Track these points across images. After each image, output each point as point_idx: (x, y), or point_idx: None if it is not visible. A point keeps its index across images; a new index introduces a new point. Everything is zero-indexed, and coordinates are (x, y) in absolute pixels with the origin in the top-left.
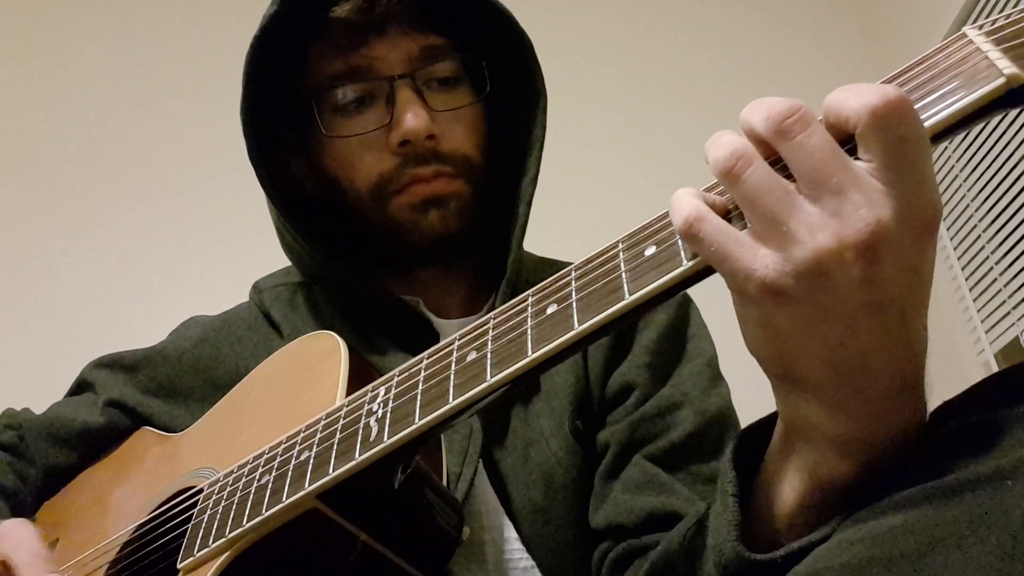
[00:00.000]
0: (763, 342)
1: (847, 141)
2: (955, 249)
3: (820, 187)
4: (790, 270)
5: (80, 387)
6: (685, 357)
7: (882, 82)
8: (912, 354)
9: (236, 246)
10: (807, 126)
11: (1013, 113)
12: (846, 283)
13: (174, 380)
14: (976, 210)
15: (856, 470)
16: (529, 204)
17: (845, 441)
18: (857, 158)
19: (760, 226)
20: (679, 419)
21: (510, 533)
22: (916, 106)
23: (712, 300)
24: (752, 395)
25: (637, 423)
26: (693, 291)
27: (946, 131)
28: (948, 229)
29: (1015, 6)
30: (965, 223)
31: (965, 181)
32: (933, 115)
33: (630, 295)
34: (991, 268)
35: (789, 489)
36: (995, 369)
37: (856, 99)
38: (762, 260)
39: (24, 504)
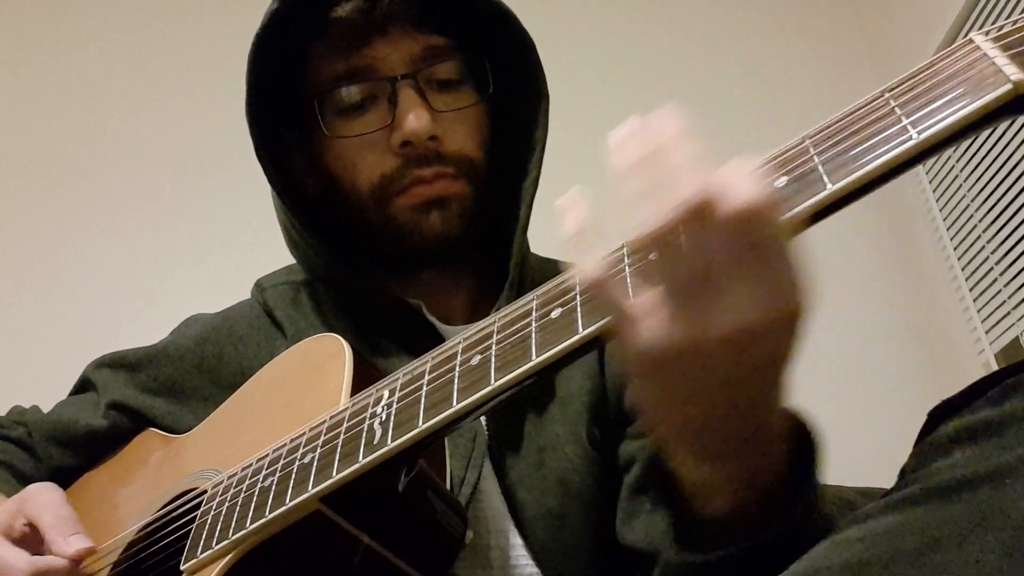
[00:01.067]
0: (645, 404)
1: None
2: (955, 249)
3: (717, 278)
4: (676, 345)
5: (83, 387)
6: None
7: (886, 88)
8: (764, 411)
9: (237, 245)
10: (722, 220)
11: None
12: (717, 363)
13: (177, 379)
14: (976, 210)
15: (727, 507)
16: (530, 206)
17: (707, 485)
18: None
19: (658, 297)
20: None
21: (516, 539)
22: (924, 111)
23: None
24: None
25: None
26: None
27: (951, 138)
28: (948, 229)
29: (1016, 6)
30: (965, 223)
31: (965, 181)
32: (939, 121)
33: (635, 298)
34: (991, 268)
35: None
36: (995, 369)
37: (740, 190)
38: (654, 331)
39: None
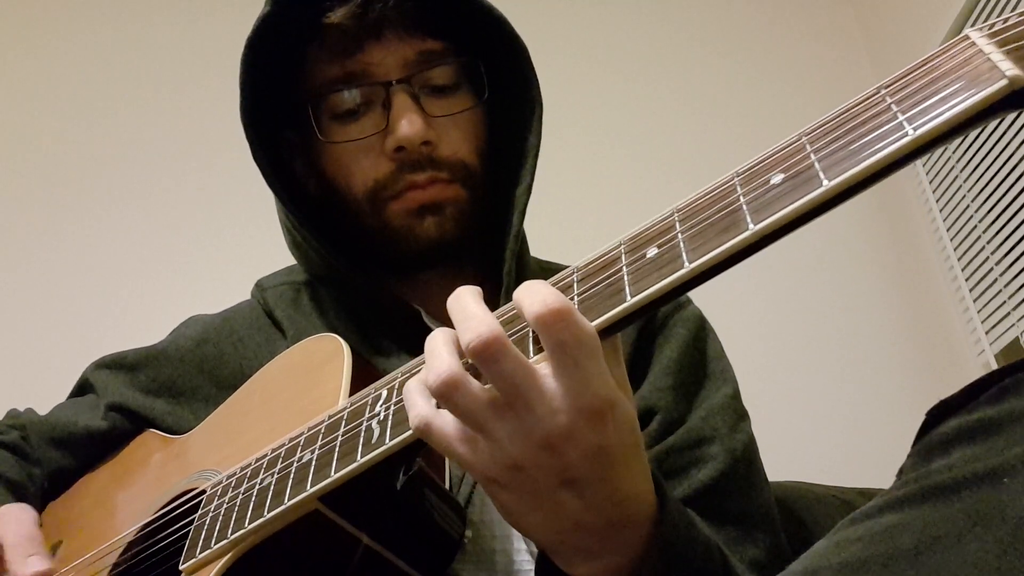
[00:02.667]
0: (502, 514)
1: None
2: (955, 249)
3: (513, 402)
4: (497, 466)
5: (82, 388)
6: (708, 380)
7: (882, 85)
8: (618, 502)
9: (237, 245)
10: (503, 355)
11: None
12: (539, 474)
13: (176, 380)
14: (976, 210)
15: None
16: (523, 213)
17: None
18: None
19: (473, 431)
20: (708, 455)
21: (520, 543)
22: (920, 107)
23: (711, 301)
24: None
25: (665, 455)
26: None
27: (947, 134)
28: (948, 230)
29: (1016, 5)
30: (965, 223)
31: (965, 181)
32: (935, 117)
33: (632, 297)
34: (991, 268)
35: None
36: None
37: (526, 303)
38: (478, 456)
39: (28, 498)
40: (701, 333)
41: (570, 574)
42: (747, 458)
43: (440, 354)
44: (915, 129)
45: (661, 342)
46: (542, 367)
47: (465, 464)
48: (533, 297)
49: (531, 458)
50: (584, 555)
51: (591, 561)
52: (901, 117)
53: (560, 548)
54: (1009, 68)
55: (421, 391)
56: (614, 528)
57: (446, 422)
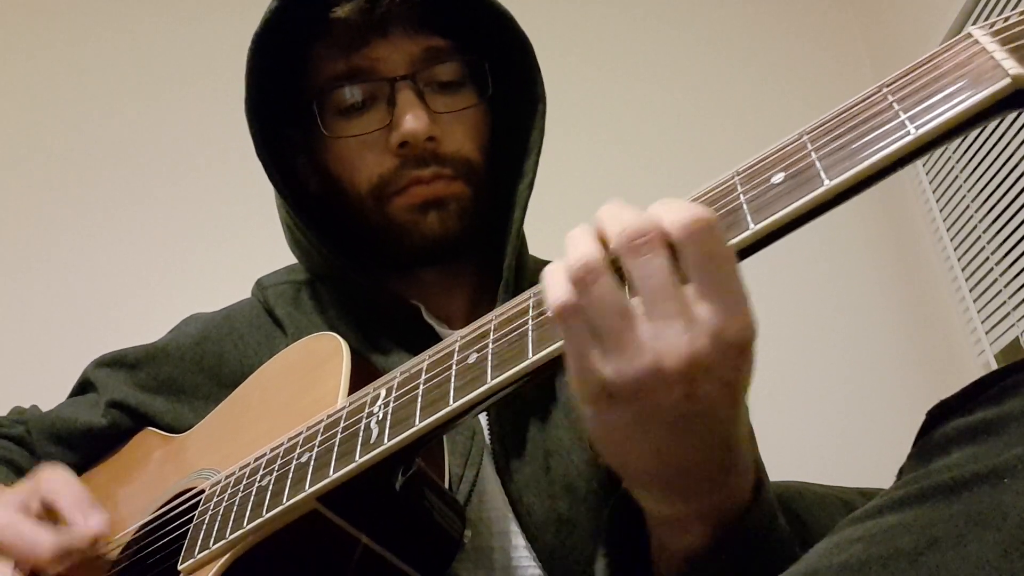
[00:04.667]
0: (599, 437)
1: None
2: (955, 249)
3: (653, 309)
4: (620, 379)
5: (83, 387)
6: None
7: (885, 82)
8: (727, 446)
9: (237, 244)
10: (652, 249)
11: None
12: (665, 398)
13: (177, 377)
14: (976, 210)
15: (702, 541)
16: (525, 209)
17: (678, 519)
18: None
19: (601, 333)
20: None
21: (518, 541)
22: (922, 106)
23: None
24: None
25: None
26: None
27: (949, 133)
28: (948, 230)
29: (1017, 4)
30: (965, 223)
31: (966, 182)
32: (937, 116)
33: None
34: (991, 268)
35: (664, 560)
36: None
37: (670, 215)
38: (600, 364)
39: None
40: None
41: (654, 511)
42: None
43: (581, 240)
44: (917, 128)
45: None
46: (688, 288)
47: (586, 371)
48: (678, 206)
49: (662, 379)
50: (682, 494)
51: (687, 502)
52: (903, 116)
53: (656, 484)
54: (1012, 67)
55: (566, 272)
56: (720, 471)
57: (587, 315)
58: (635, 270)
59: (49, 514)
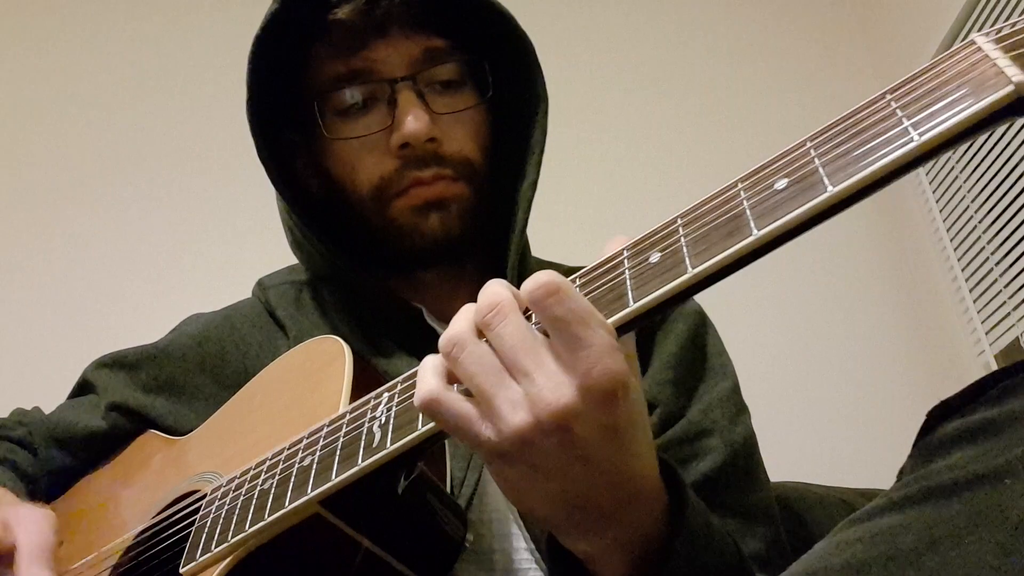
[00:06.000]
0: (505, 491)
1: None
2: (955, 250)
3: (515, 370)
4: (501, 439)
5: (82, 388)
6: (708, 374)
7: (887, 90)
8: (626, 480)
9: (238, 245)
10: (503, 318)
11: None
12: (548, 449)
13: (178, 378)
14: (976, 211)
15: (626, 569)
16: (528, 210)
17: (598, 556)
18: None
19: (478, 400)
20: (708, 448)
21: (519, 543)
22: (925, 113)
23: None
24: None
25: (664, 449)
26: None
27: (953, 140)
28: (948, 230)
29: (1016, 6)
30: (965, 224)
31: (966, 182)
32: (941, 123)
33: (634, 302)
34: (991, 268)
35: None
36: (995, 370)
37: (525, 286)
38: (484, 431)
39: (39, 492)
40: (701, 328)
41: (576, 550)
42: (747, 451)
43: (456, 319)
44: (921, 135)
45: (661, 337)
46: (550, 342)
47: (472, 439)
48: (529, 280)
49: (539, 431)
50: (590, 532)
51: (597, 537)
52: (907, 123)
53: (566, 525)
54: (1016, 74)
55: (434, 367)
56: (622, 504)
57: (453, 397)
58: (492, 339)
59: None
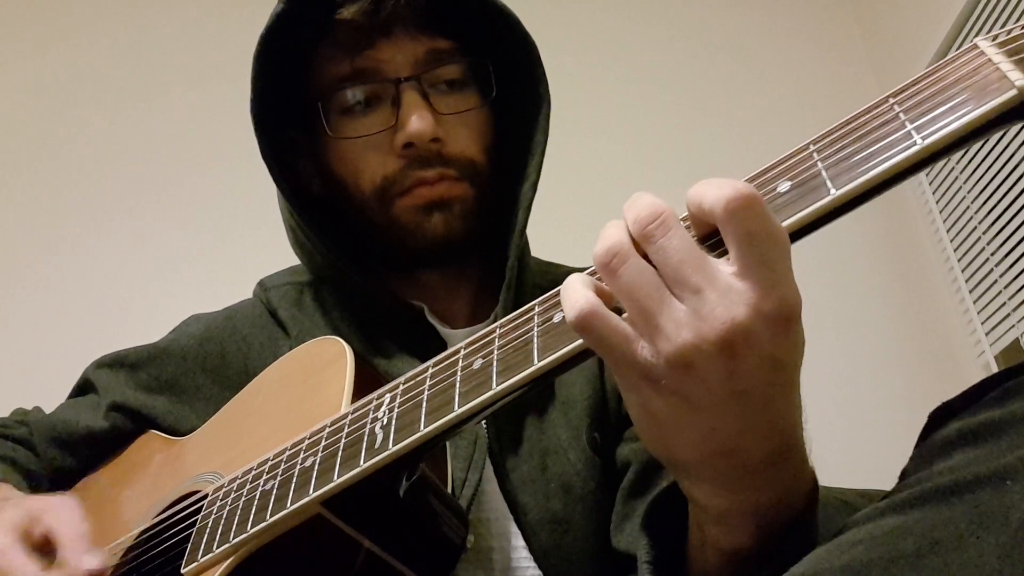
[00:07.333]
0: (644, 426)
1: (714, 235)
2: (955, 250)
3: (681, 287)
4: (661, 362)
5: (83, 388)
6: None
7: (890, 94)
8: (780, 431)
9: (239, 245)
10: (667, 230)
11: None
12: (710, 375)
13: (179, 378)
14: (976, 211)
15: (752, 541)
16: (528, 210)
17: (729, 515)
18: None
19: (635, 318)
20: None
21: (518, 541)
22: (928, 117)
23: None
24: None
25: None
26: None
27: (955, 144)
28: (948, 230)
29: (1016, 7)
30: (965, 224)
31: (966, 183)
32: (943, 127)
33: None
34: (991, 269)
35: (708, 558)
36: (995, 370)
37: (712, 192)
38: (640, 351)
39: (42, 491)
40: None
41: (709, 505)
42: None
43: (609, 231)
44: (924, 139)
45: None
46: (721, 262)
47: (627, 360)
48: (719, 184)
49: (702, 353)
50: (731, 485)
51: (738, 492)
52: (910, 126)
53: (706, 473)
54: (1019, 78)
55: (583, 280)
56: (771, 458)
57: (609, 312)
58: (654, 254)
59: (49, 543)
